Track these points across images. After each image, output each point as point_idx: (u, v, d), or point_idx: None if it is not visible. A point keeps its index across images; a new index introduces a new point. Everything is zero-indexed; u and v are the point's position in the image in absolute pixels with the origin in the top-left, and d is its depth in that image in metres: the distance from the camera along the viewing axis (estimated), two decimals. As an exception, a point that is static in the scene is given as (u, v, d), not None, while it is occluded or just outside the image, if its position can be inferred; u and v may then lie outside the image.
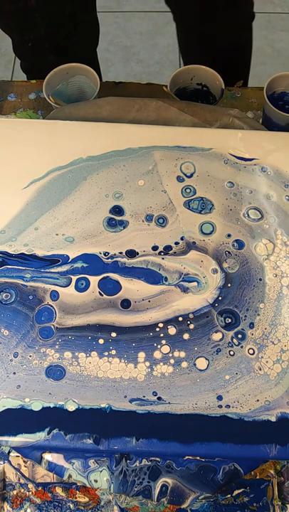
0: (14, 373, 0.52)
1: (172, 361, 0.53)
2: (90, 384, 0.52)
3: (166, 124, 0.66)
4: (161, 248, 0.58)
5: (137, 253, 0.58)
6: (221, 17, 0.84)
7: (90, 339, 0.54)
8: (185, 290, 0.56)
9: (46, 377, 0.52)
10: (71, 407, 0.51)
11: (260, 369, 0.53)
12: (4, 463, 0.57)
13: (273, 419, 0.50)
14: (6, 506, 0.56)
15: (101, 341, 0.54)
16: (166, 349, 0.53)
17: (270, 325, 0.54)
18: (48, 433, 0.50)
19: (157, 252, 0.58)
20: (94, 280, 0.56)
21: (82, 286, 0.56)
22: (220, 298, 0.56)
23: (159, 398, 0.51)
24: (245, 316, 0.55)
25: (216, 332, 0.54)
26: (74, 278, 0.56)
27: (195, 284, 0.56)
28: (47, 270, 0.57)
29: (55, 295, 0.56)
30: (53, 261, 0.57)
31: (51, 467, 0.52)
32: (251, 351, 0.53)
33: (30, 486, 0.56)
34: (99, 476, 0.52)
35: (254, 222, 0.59)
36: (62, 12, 0.82)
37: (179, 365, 0.53)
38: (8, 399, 0.51)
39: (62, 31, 0.84)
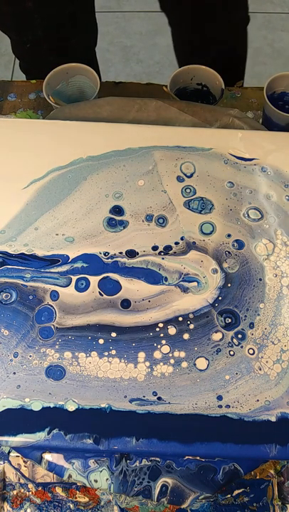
0: (14, 373, 0.52)
1: (172, 361, 0.53)
2: (90, 384, 0.52)
3: (166, 124, 0.66)
4: (161, 248, 0.58)
5: (137, 253, 0.58)
6: (217, 21, 0.84)
7: (90, 339, 0.54)
8: (185, 290, 0.56)
9: (46, 377, 0.52)
10: (71, 407, 0.51)
11: (260, 369, 0.53)
12: (4, 463, 0.57)
13: (273, 419, 0.50)
14: (6, 506, 0.56)
15: (101, 341, 0.54)
16: (166, 349, 0.53)
17: (270, 325, 0.54)
18: (48, 433, 0.50)
19: (157, 252, 0.58)
20: (94, 280, 0.56)
21: (82, 286, 0.56)
22: (220, 298, 0.56)
23: (159, 398, 0.51)
24: (245, 316, 0.55)
25: (216, 332, 0.54)
26: (74, 278, 0.56)
27: (195, 284, 0.56)
28: (47, 270, 0.57)
29: (55, 295, 0.56)
30: (53, 261, 0.57)
31: (51, 467, 0.52)
32: (251, 351, 0.53)
33: (30, 486, 0.56)
34: (99, 476, 0.52)
35: (254, 222, 0.59)
36: (61, 13, 0.81)
37: (179, 365, 0.53)
38: (8, 399, 0.51)
39: (61, 32, 0.84)
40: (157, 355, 0.53)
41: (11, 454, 0.57)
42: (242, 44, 0.94)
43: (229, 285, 0.56)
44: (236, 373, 0.52)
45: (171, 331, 0.54)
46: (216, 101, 0.73)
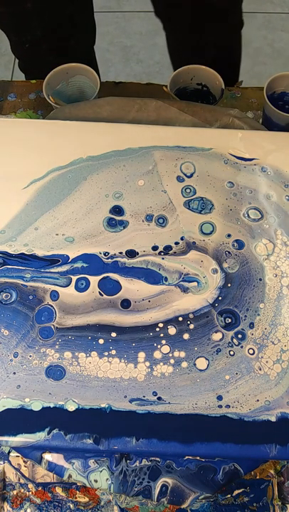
0: (14, 373, 0.52)
1: (172, 361, 0.53)
2: (90, 384, 0.52)
3: (166, 124, 0.66)
4: (161, 248, 0.58)
5: (137, 253, 0.58)
6: (212, 26, 0.84)
7: (90, 339, 0.54)
8: (185, 290, 0.56)
9: (46, 377, 0.52)
10: (71, 407, 0.51)
11: (260, 369, 0.53)
12: (4, 463, 0.57)
13: (273, 419, 0.50)
14: (6, 506, 0.56)
15: (101, 341, 0.54)
16: (166, 349, 0.53)
17: (270, 325, 0.54)
18: (48, 433, 0.50)
19: (157, 252, 0.58)
20: (94, 280, 0.56)
21: (82, 286, 0.56)
22: (220, 298, 0.56)
23: (159, 398, 0.51)
24: (245, 316, 0.55)
25: (216, 332, 0.54)
26: (74, 278, 0.56)
27: (195, 284, 0.56)
28: (47, 270, 0.57)
29: (55, 295, 0.56)
30: (53, 261, 0.57)
31: (51, 467, 0.52)
32: (251, 351, 0.53)
33: (30, 486, 0.56)
34: (99, 476, 0.52)
35: (254, 222, 0.59)
36: (60, 14, 0.82)
37: (179, 365, 0.53)
38: (8, 399, 0.51)
39: (60, 32, 0.84)
40: (157, 355, 0.53)
41: (11, 454, 0.57)
42: (236, 48, 0.94)
43: (229, 285, 0.56)
44: (236, 373, 0.52)
45: (171, 331, 0.54)
46: (216, 101, 0.73)
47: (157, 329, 0.54)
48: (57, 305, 0.55)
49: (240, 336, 0.54)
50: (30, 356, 0.53)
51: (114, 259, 0.57)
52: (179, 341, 0.54)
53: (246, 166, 0.62)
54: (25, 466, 0.57)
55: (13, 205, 0.60)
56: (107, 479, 0.52)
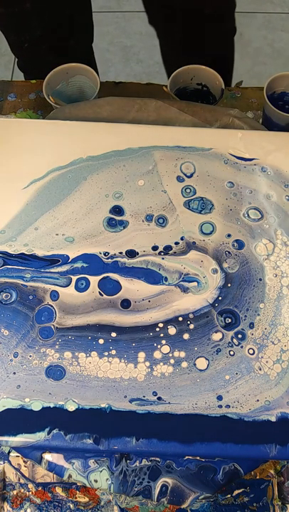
0: (14, 373, 0.52)
1: (172, 361, 0.53)
2: (90, 384, 0.52)
3: (166, 124, 0.66)
4: (161, 248, 0.58)
5: (137, 253, 0.58)
6: (206, 34, 0.85)
7: (90, 339, 0.54)
8: (185, 290, 0.56)
9: (46, 377, 0.52)
10: (71, 407, 0.51)
11: (260, 369, 0.53)
12: (4, 463, 0.57)
13: (273, 419, 0.50)
14: (6, 506, 0.56)
15: (101, 341, 0.54)
16: (166, 349, 0.53)
17: (270, 325, 0.54)
18: (48, 433, 0.50)
19: (157, 252, 0.58)
20: (94, 280, 0.56)
21: (82, 286, 0.56)
22: (220, 298, 0.56)
23: (159, 398, 0.51)
24: (245, 316, 0.55)
25: (216, 332, 0.54)
26: (74, 278, 0.56)
27: (195, 284, 0.56)
28: (47, 270, 0.57)
29: (55, 295, 0.56)
30: (53, 261, 0.57)
31: (51, 467, 0.52)
32: (251, 351, 0.53)
33: (30, 486, 0.56)
34: (99, 476, 0.52)
35: (254, 222, 0.59)
36: (59, 14, 0.82)
37: (179, 365, 0.53)
38: (8, 399, 0.51)
39: (59, 32, 0.84)
40: (157, 355, 0.53)
41: (11, 454, 0.57)
42: (230, 55, 0.95)
43: (229, 285, 0.56)
44: (236, 373, 0.52)
45: (171, 331, 0.54)
46: (216, 101, 0.73)
47: (157, 329, 0.54)
48: (57, 305, 0.55)
49: (240, 336, 0.54)
50: (30, 356, 0.53)
51: (114, 259, 0.57)
52: (179, 341, 0.54)
53: (246, 166, 0.62)
54: (25, 466, 0.57)
55: (13, 205, 0.60)
56: (107, 479, 0.52)
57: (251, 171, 0.62)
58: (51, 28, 0.83)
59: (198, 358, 0.53)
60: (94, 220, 0.59)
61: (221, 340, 0.54)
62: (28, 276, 0.57)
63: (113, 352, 0.53)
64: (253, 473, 0.56)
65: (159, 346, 0.53)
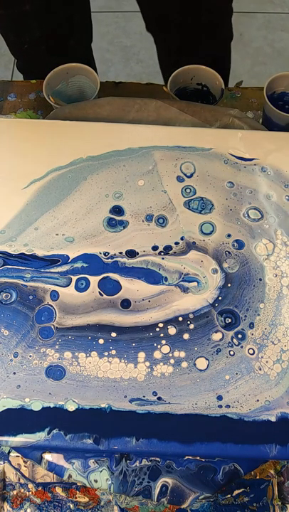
0: (14, 373, 0.52)
1: (172, 361, 0.53)
2: (90, 384, 0.52)
3: (166, 124, 0.66)
4: (161, 248, 0.58)
5: (137, 253, 0.58)
6: (203, 40, 0.85)
7: (90, 339, 0.54)
8: (185, 290, 0.56)
9: (46, 377, 0.52)
10: (71, 407, 0.51)
11: (260, 369, 0.53)
12: (4, 463, 0.57)
13: (273, 419, 0.50)
14: (6, 506, 0.56)
15: (101, 341, 0.54)
16: (166, 349, 0.53)
17: (270, 325, 0.54)
18: (48, 433, 0.50)
19: (157, 252, 0.58)
20: (94, 280, 0.56)
21: (82, 286, 0.56)
22: (220, 298, 0.56)
23: (159, 398, 0.51)
24: (245, 316, 0.55)
25: (216, 332, 0.54)
26: (74, 278, 0.56)
27: (195, 284, 0.56)
28: (47, 270, 0.57)
29: (55, 295, 0.56)
30: (53, 261, 0.57)
31: (51, 467, 0.52)
32: (251, 351, 0.53)
33: (30, 486, 0.56)
34: (99, 476, 0.52)
35: (254, 222, 0.59)
36: (58, 15, 0.82)
37: (179, 365, 0.53)
38: (8, 399, 0.51)
39: (59, 33, 0.84)
40: (157, 355, 0.53)
41: (11, 454, 0.57)
42: (227, 60, 0.96)
43: (229, 285, 0.56)
44: (236, 373, 0.52)
45: (171, 331, 0.54)
46: (216, 101, 0.73)
47: (157, 329, 0.54)
48: (57, 305, 0.55)
49: (240, 335, 0.54)
50: (30, 356, 0.53)
51: (114, 259, 0.57)
52: (179, 341, 0.54)
53: (246, 166, 0.62)
54: (25, 466, 0.57)
55: (13, 205, 0.60)
56: (107, 479, 0.52)
57: (251, 171, 0.62)
58: (51, 29, 0.83)
59: (198, 358, 0.53)
60: (94, 220, 0.59)
61: (221, 340, 0.54)
62: (28, 276, 0.57)
63: (113, 352, 0.53)
64: (253, 473, 0.56)
65: (159, 346, 0.53)
